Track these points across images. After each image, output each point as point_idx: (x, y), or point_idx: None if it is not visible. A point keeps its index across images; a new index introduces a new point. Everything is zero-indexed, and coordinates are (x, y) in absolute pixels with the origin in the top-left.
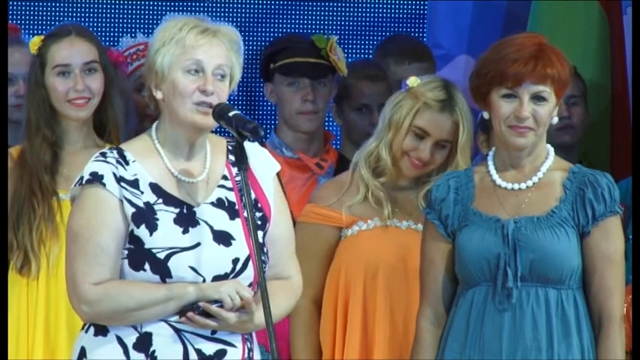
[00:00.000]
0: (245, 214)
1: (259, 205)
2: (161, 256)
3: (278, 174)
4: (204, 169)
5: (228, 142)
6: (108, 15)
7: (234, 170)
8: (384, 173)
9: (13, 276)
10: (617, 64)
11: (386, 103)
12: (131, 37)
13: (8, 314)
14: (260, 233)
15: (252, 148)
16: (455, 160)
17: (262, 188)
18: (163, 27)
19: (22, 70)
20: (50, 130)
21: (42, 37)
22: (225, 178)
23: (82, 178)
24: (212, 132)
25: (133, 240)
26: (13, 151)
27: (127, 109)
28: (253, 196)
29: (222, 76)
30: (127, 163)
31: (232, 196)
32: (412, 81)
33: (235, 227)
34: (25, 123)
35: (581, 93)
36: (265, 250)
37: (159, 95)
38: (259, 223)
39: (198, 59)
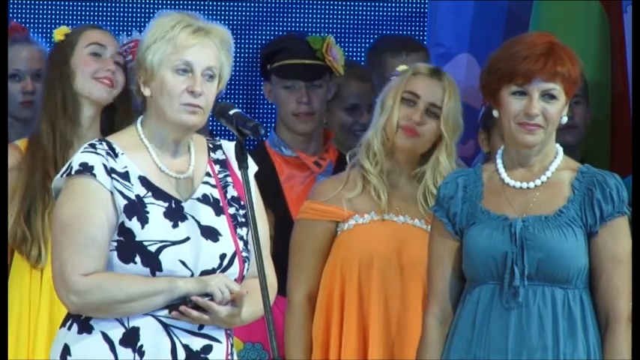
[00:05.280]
0: (231, 210)
1: (241, 202)
2: (152, 248)
3: (255, 175)
4: (190, 165)
5: (207, 140)
6: (108, 13)
7: (217, 167)
8: (378, 161)
9: (16, 263)
10: (618, 64)
11: (379, 95)
12: (127, 35)
13: (12, 305)
14: (244, 230)
15: (231, 148)
16: (442, 136)
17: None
18: (156, 23)
19: (30, 67)
20: (67, 115)
21: (68, 28)
22: (208, 175)
23: (70, 168)
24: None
25: (124, 232)
26: (20, 144)
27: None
28: (236, 194)
29: (211, 77)
30: (117, 155)
31: (216, 193)
32: (402, 67)
33: (221, 223)
34: (43, 106)
35: (582, 92)
36: (249, 248)
37: (147, 92)
38: (243, 220)
39: (188, 60)
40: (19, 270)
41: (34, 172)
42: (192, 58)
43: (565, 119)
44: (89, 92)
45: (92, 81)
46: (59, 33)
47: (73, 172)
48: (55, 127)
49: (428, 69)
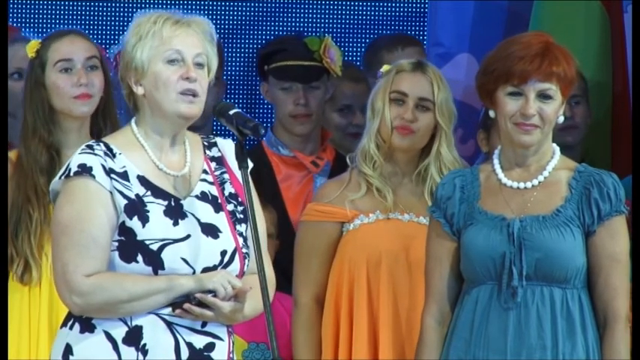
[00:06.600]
0: (230, 207)
1: (239, 199)
2: (154, 247)
3: (251, 174)
4: (186, 163)
5: (202, 138)
6: (108, 14)
7: (213, 165)
8: (376, 165)
9: (14, 284)
10: (619, 63)
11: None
12: None
13: (10, 322)
14: (243, 226)
15: (227, 145)
16: (439, 127)
17: (240, 183)
18: (136, 23)
19: None
20: (47, 132)
21: (39, 40)
22: (205, 172)
23: (68, 170)
24: (213, 131)
25: (125, 231)
26: (12, 156)
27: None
28: (233, 190)
29: (201, 65)
30: (114, 156)
31: (214, 190)
32: (385, 67)
33: (220, 220)
34: (22, 126)
35: (583, 92)
36: (248, 244)
37: (140, 91)
38: (242, 216)
39: (178, 49)
40: (18, 289)
41: (18, 192)
42: (181, 46)
43: (562, 119)
44: (69, 110)
45: (71, 100)
46: (31, 49)
47: (71, 174)
48: (30, 149)
49: (410, 64)
